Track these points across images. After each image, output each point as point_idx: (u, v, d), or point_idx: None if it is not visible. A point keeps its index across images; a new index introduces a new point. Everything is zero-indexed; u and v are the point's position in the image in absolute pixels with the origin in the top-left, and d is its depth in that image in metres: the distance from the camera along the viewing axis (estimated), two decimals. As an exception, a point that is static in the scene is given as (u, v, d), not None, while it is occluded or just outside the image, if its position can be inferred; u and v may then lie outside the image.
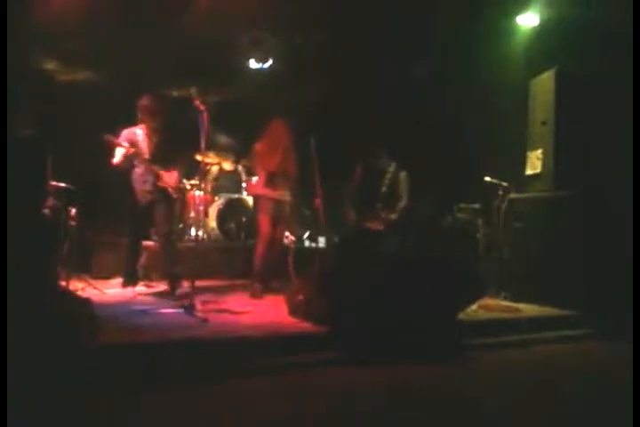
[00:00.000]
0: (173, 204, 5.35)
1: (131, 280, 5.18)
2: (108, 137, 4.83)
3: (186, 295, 4.46)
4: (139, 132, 5.07)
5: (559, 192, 5.17)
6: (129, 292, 5.08)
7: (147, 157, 5.03)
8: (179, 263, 5.10)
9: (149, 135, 5.09)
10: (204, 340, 3.48)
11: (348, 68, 7.34)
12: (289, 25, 7.02)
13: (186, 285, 4.77)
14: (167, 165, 5.09)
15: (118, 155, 4.94)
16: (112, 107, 6.14)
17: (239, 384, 3.10)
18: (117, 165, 4.98)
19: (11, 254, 2.86)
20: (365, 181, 5.51)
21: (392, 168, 5.47)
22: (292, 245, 6.42)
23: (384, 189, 5.40)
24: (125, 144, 4.90)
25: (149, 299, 4.93)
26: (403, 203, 5.42)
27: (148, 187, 5.04)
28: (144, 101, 5.01)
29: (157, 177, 5.03)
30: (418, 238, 5.78)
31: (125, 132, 5.05)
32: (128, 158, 4.97)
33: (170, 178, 5.09)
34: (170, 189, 5.09)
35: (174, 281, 5.05)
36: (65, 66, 6.79)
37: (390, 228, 5.30)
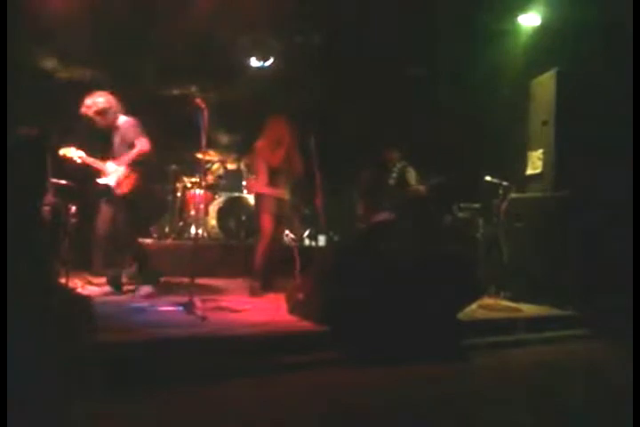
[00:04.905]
0: (118, 204, 4.76)
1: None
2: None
3: (104, 294, 4.73)
4: None
5: (559, 192, 5.17)
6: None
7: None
8: (115, 266, 4.93)
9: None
10: (202, 338, 3.47)
11: (349, 68, 7.34)
12: (289, 25, 7.02)
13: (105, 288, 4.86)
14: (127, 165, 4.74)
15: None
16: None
17: (239, 383, 3.09)
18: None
19: (10, 252, 2.86)
20: (373, 181, 5.55)
21: (399, 164, 5.52)
22: (295, 244, 6.42)
23: (391, 181, 5.43)
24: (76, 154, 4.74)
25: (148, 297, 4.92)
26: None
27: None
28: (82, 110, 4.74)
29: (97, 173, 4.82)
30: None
31: None
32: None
33: (112, 174, 4.71)
34: (114, 186, 4.71)
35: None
36: (64, 64, 6.79)
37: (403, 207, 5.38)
